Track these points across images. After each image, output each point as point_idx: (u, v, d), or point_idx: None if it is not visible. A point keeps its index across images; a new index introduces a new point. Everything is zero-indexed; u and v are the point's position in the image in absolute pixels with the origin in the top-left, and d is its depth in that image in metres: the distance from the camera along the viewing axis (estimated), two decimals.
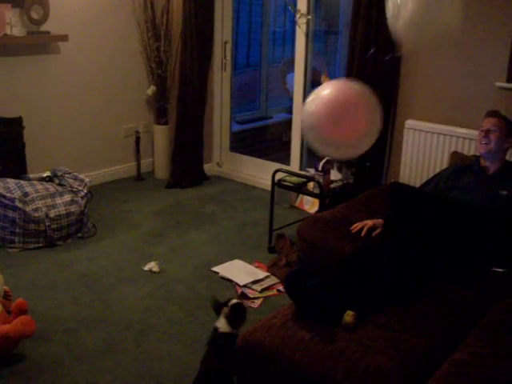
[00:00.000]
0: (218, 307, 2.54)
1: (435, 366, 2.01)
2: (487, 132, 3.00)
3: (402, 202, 2.96)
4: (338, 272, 2.70)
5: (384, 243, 2.86)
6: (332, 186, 3.94)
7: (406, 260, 2.62)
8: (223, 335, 2.48)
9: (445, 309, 2.41)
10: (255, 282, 3.48)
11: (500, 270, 2.66)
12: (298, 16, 4.41)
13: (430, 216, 2.79)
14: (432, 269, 2.65)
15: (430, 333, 2.24)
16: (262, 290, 3.43)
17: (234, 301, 2.55)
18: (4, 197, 3.87)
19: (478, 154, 3.14)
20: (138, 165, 5.45)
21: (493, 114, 3.05)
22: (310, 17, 4.21)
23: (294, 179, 4.01)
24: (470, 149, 3.64)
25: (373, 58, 3.93)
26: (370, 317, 2.35)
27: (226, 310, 2.51)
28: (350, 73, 4.09)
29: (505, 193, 2.90)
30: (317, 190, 3.82)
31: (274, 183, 4.02)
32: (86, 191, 4.21)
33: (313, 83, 4.87)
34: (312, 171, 3.97)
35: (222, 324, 2.50)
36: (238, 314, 2.52)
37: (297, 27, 4.65)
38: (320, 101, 2.58)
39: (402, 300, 2.46)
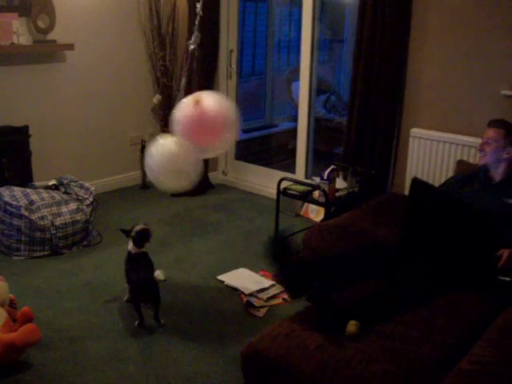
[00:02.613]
0: (126, 234, 3.16)
1: (441, 377, 1.99)
2: (483, 144, 3.00)
3: (421, 198, 2.92)
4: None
5: (395, 247, 2.84)
6: (337, 194, 3.94)
7: (415, 269, 2.62)
8: (134, 254, 3.14)
9: (451, 318, 2.39)
10: (261, 290, 3.48)
11: (507, 279, 2.64)
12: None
13: (446, 216, 2.77)
14: (440, 278, 2.63)
15: (436, 343, 2.23)
16: (268, 299, 3.42)
17: (138, 227, 3.16)
18: (10, 205, 3.88)
19: None
20: (144, 173, 5.45)
21: (491, 124, 3.04)
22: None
23: (300, 188, 4.01)
24: (475, 157, 3.63)
25: (378, 66, 3.95)
26: (375, 326, 2.34)
27: (132, 234, 3.13)
28: (355, 81, 4.10)
29: (510, 201, 2.89)
30: (322, 199, 3.82)
31: (279, 192, 4.01)
32: (91, 199, 4.23)
33: (318, 91, 4.87)
34: (317, 180, 3.96)
35: (130, 247, 3.15)
36: (142, 237, 3.14)
37: (302, 35, 4.68)
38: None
39: (409, 309, 2.45)
